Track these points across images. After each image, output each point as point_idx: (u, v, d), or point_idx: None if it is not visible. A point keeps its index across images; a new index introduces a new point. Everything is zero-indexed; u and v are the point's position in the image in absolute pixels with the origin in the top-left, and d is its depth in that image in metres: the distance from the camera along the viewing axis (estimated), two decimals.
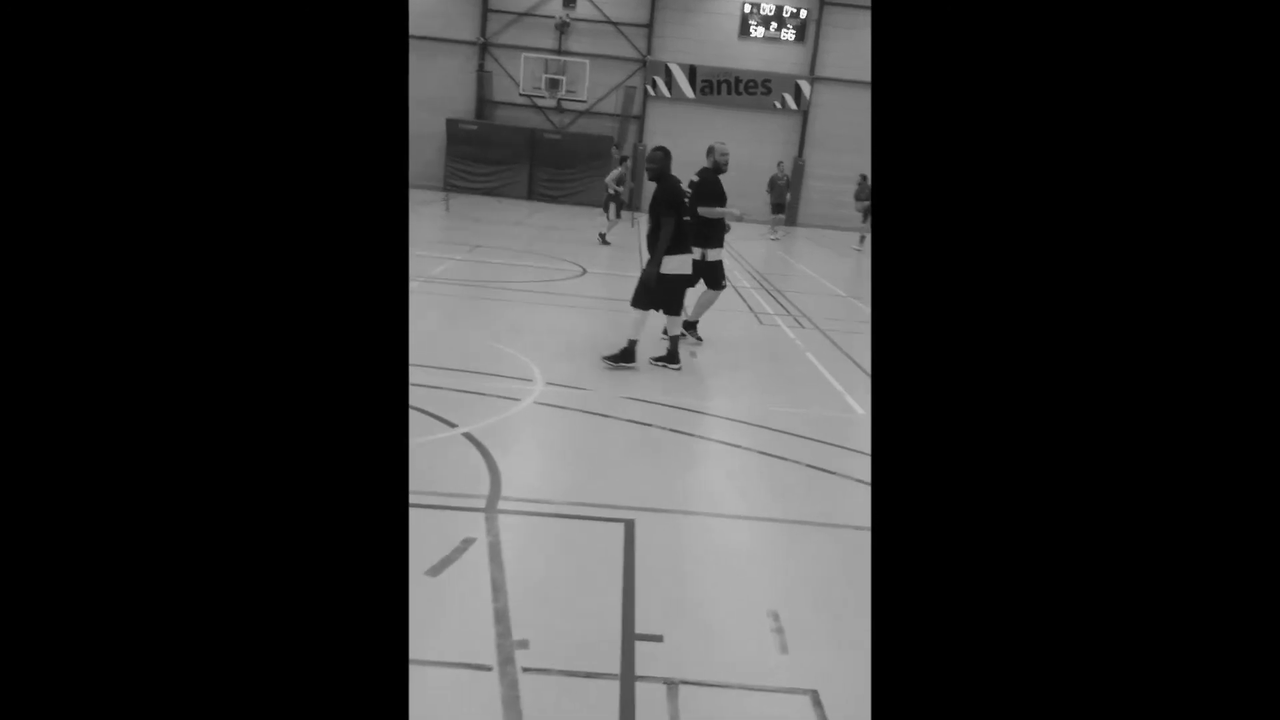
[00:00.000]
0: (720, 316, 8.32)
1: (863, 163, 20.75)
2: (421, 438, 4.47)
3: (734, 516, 4.01)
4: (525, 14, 22.65)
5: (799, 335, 8.43)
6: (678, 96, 23.16)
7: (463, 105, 23.06)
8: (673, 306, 6.58)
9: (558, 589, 3.14)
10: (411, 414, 4.70)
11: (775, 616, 3.05)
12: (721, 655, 2.81)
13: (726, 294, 7.89)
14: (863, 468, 4.73)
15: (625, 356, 6.45)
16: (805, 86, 23.09)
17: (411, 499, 3.57)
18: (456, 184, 22.57)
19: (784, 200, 19.32)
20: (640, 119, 23.28)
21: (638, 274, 6.65)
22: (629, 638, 2.84)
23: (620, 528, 3.68)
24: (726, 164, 7.36)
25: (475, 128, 22.77)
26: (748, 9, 22.81)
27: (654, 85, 23.08)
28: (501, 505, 3.79)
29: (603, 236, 14.76)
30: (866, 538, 3.80)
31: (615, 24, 22.80)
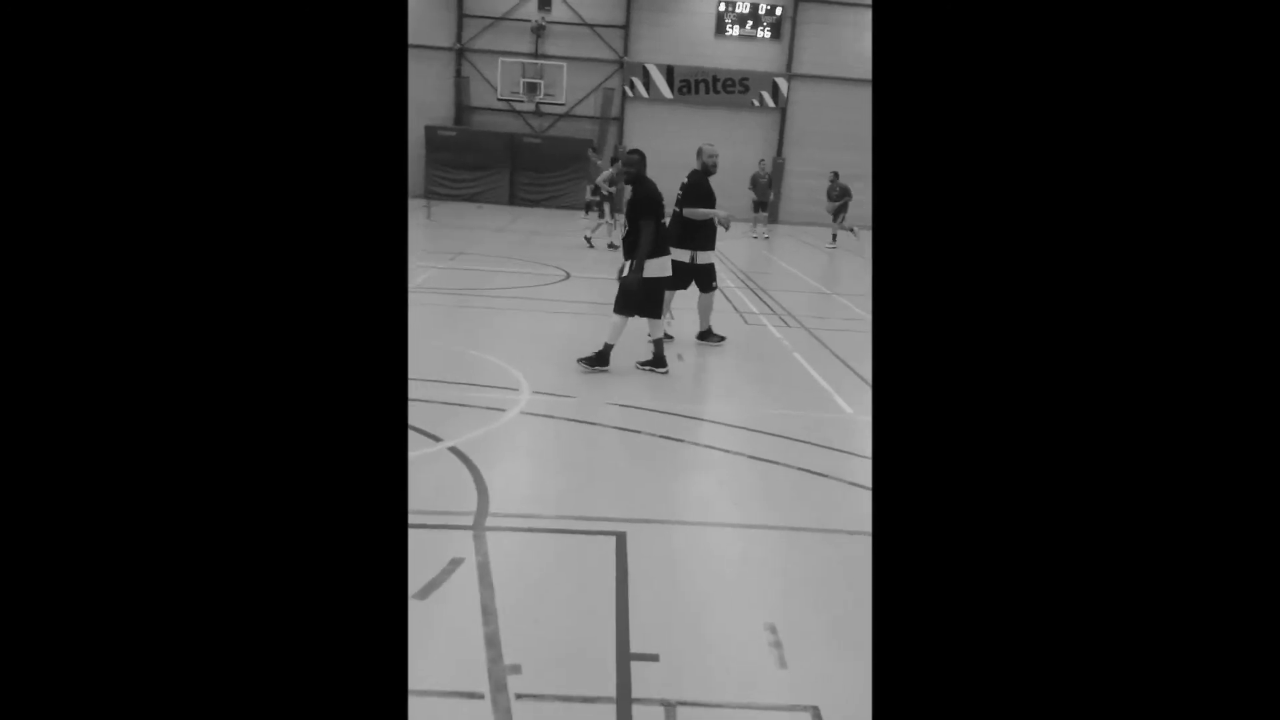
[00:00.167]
0: None
1: (840, 159, 20.68)
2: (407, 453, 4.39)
3: (726, 525, 3.94)
4: (501, 18, 22.55)
5: (785, 334, 8.39)
6: (656, 97, 23.12)
7: (441, 111, 22.92)
8: (653, 310, 6.53)
9: (549, 609, 3.07)
10: None
11: (773, 629, 2.99)
12: (719, 672, 2.75)
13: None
14: (855, 470, 4.69)
15: (599, 359, 6.40)
16: (783, 84, 23.10)
17: None
18: (437, 191, 22.40)
19: (767, 198, 19.26)
20: (619, 120, 23.22)
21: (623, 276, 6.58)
22: (624, 658, 2.77)
23: (612, 541, 3.61)
24: (715, 165, 7.30)
25: (454, 134, 22.63)
26: (723, 7, 22.79)
27: (632, 86, 23.03)
28: (490, 523, 3.71)
29: (588, 239, 14.69)
30: (862, 543, 3.74)
31: (591, 26, 22.74)
